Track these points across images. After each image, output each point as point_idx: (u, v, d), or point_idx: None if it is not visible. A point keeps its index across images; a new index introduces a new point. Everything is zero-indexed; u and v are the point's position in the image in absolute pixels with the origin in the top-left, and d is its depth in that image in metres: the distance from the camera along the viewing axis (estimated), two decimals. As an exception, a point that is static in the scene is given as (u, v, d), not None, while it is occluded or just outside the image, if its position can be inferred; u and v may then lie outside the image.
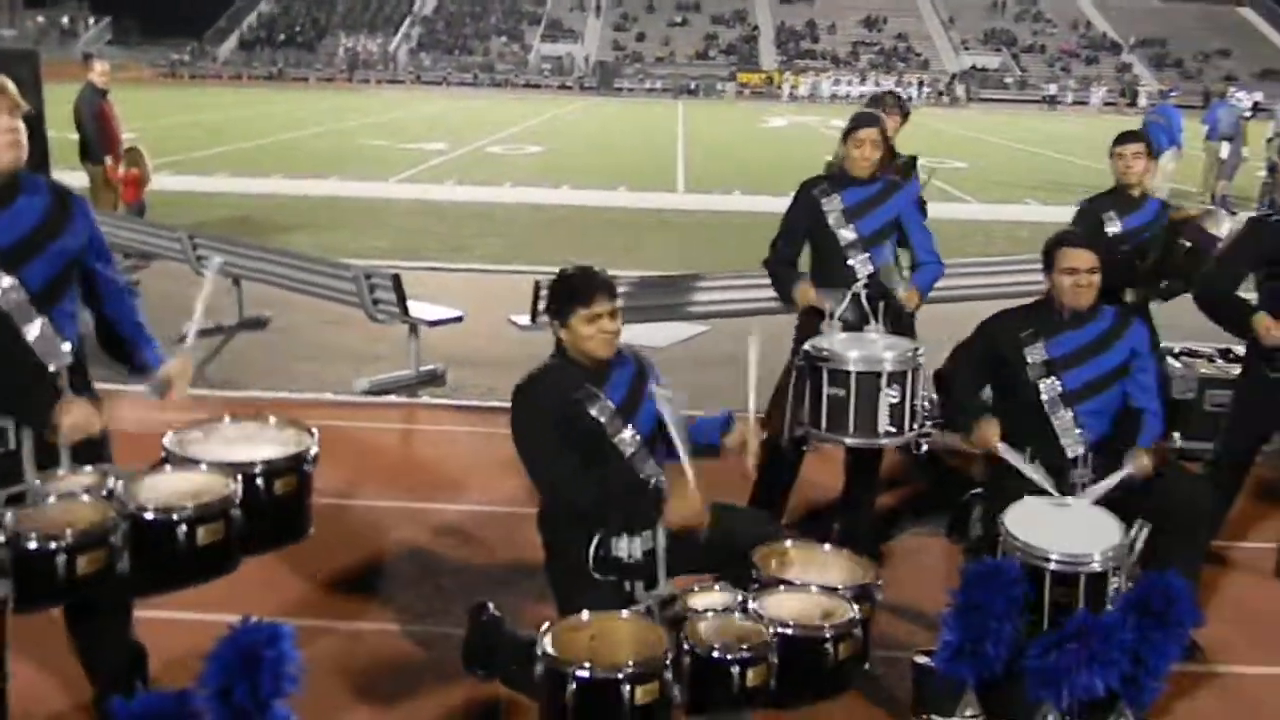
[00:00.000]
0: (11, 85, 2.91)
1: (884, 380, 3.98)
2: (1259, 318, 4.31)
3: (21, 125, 2.91)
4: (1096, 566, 3.21)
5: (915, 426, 4.14)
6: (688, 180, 19.23)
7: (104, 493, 2.77)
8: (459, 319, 7.30)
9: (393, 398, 6.95)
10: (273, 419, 3.27)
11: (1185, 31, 60.31)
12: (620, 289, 3.50)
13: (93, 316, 3.16)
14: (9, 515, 2.62)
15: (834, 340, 4.26)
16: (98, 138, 10.52)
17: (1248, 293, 4.54)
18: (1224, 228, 4.95)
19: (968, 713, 3.11)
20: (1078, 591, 3.20)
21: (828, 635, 2.94)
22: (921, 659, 3.36)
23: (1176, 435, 5.66)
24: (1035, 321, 4.00)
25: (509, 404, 3.40)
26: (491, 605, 3.55)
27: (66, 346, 2.98)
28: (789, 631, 2.93)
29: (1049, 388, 3.91)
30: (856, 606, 3.07)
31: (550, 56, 58.10)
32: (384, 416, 6.62)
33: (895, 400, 3.98)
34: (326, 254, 9.07)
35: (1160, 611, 2.91)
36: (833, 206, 4.64)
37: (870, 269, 4.60)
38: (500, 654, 3.38)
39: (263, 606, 2.69)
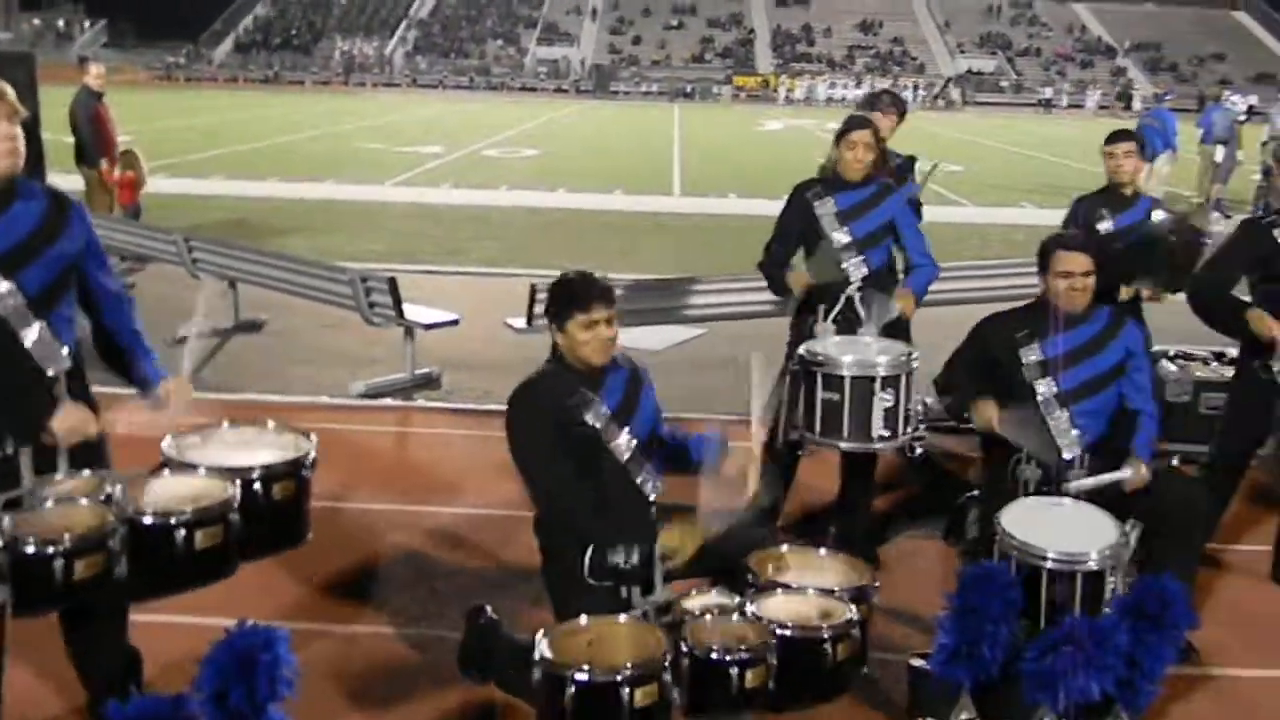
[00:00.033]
0: (10, 91, 2.91)
1: (878, 384, 3.98)
2: (1254, 314, 4.33)
3: (19, 132, 2.91)
4: (1093, 565, 3.22)
5: (909, 430, 4.14)
6: (684, 183, 19.25)
7: (102, 497, 2.77)
8: (455, 322, 7.30)
9: (388, 401, 6.94)
10: (271, 424, 3.27)
11: (1180, 35, 60.46)
12: (616, 292, 3.50)
13: (90, 324, 3.16)
14: (6, 520, 2.61)
15: (827, 344, 4.27)
16: (93, 140, 10.51)
17: (1241, 296, 4.56)
18: (1212, 224, 4.99)
19: (963, 716, 3.11)
20: (1075, 590, 3.20)
21: (826, 635, 2.94)
22: (917, 662, 3.36)
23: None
24: (1030, 322, 4.01)
25: (505, 407, 3.40)
26: (489, 608, 3.56)
27: (64, 351, 2.98)
28: (787, 632, 2.93)
29: (1045, 388, 3.92)
30: (854, 607, 3.08)
31: (546, 60, 58.13)
32: (379, 420, 6.61)
33: (889, 404, 3.99)
34: (322, 257, 9.07)
35: (1155, 615, 2.92)
36: (826, 209, 4.64)
37: (864, 271, 4.61)
38: (497, 657, 3.38)
39: (258, 610, 2.69)
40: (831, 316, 4.61)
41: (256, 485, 2.92)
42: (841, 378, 4.01)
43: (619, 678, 2.67)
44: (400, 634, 4.02)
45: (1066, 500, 3.65)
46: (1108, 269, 4.17)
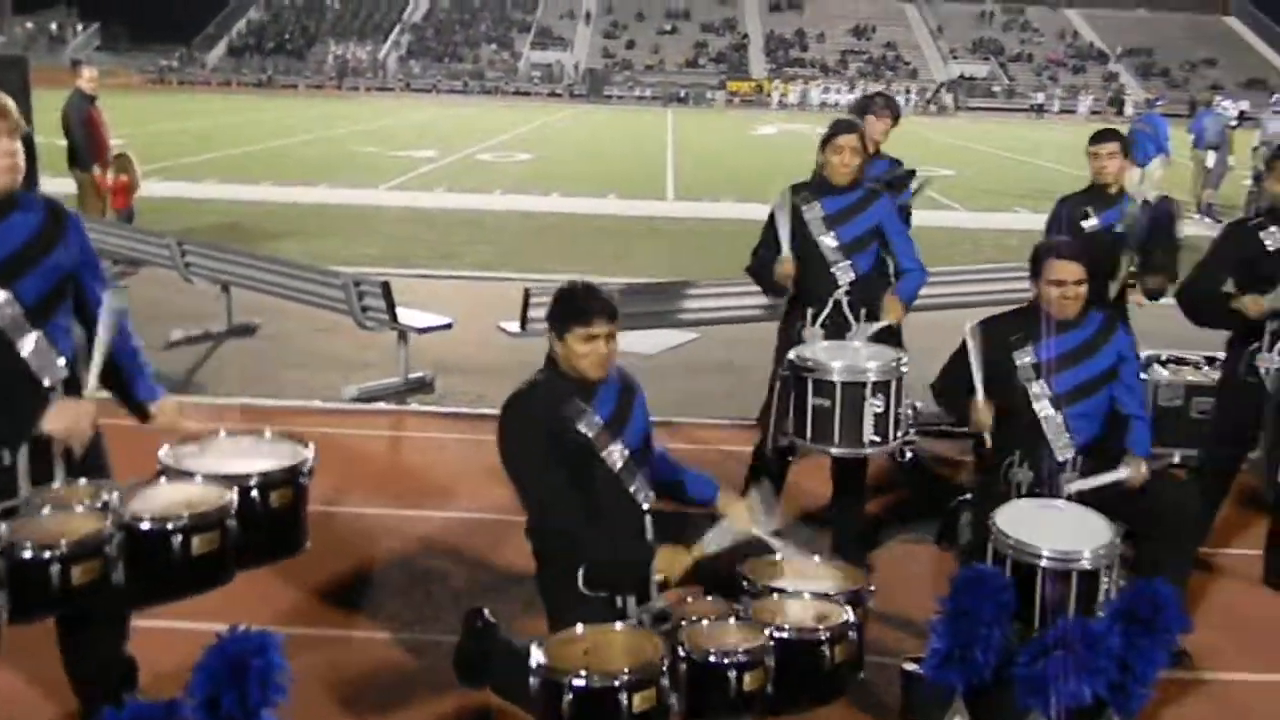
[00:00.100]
0: (13, 107, 2.93)
1: (869, 390, 3.98)
2: (1243, 299, 4.38)
3: (20, 147, 2.93)
4: (1087, 564, 3.23)
5: (900, 435, 4.15)
6: (677, 188, 19.26)
7: (99, 504, 2.77)
8: (448, 326, 7.29)
9: (381, 405, 6.93)
10: (268, 432, 3.27)
11: (1171, 41, 60.69)
12: (604, 290, 3.49)
13: (85, 336, 3.16)
14: (3, 526, 2.61)
15: (817, 349, 4.27)
16: (86, 144, 10.50)
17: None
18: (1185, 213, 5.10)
19: (956, 719, 3.11)
20: (1069, 590, 3.21)
21: (823, 637, 2.95)
22: (910, 666, 3.36)
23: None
24: (1024, 326, 4.02)
25: (498, 412, 3.40)
26: (486, 611, 3.55)
27: (61, 361, 3.00)
28: (785, 635, 2.94)
29: (1038, 391, 3.93)
30: (851, 610, 3.08)
31: (540, 64, 58.16)
32: (373, 424, 6.60)
33: (880, 410, 3.99)
34: (316, 261, 9.06)
35: (1148, 618, 2.92)
36: (813, 214, 4.64)
37: (851, 276, 4.62)
38: (494, 661, 3.37)
39: (252, 615, 2.68)
40: (820, 321, 4.61)
41: (254, 493, 2.92)
42: (832, 383, 4.01)
43: (617, 683, 2.67)
44: (395, 639, 4.01)
45: (1060, 502, 3.67)
46: (1096, 267, 4.19)
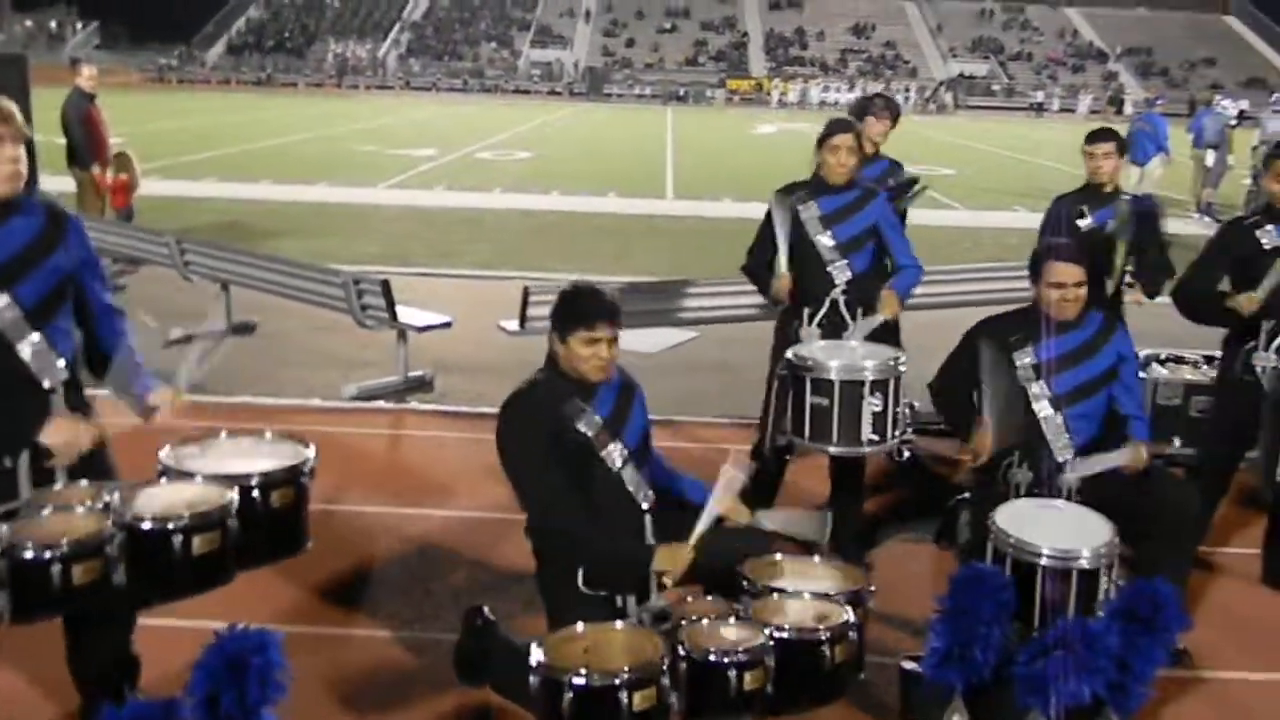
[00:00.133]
0: (17, 113, 2.94)
1: (867, 389, 3.99)
2: (1237, 298, 4.41)
3: (23, 154, 2.95)
4: (1086, 563, 3.23)
5: (897, 433, 4.16)
6: (677, 186, 19.26)
7: (100, 505, 2.77)
8: (448, 325, 7.29)
9: (381, 403, 6.93)
10: (269, 433, 3.27)
11: (1171, 40, 60.69)
12: (608, 293, 3.49)
13: (83, 337, 3.17)
14: (5, 527, 2.61)
15: (814, 348, 4.28)
16: (85, 142, 10.49)
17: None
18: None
19: (955, 718, 3.11)
20: (1069, 589, 3.21)
21: (824, 637, 2.95)
22: (909, 665, 3.36)
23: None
24: (1023, 327, 4.02)
25: (497, 411, 3.40)
26: (486, 609, 3.55)
27: (61, 363, 3.01)
28: (785, 635, 2.94)
29: (1038, 391, 3.93)
30: (851, 610, 3.08)
31: (540, 62, 58.14)
32: (372, 422, 6.60)
33: (878, 408, 4.00)
34: (315, 259, 9.05)
35: (1147, 617, 2.93)
36: (810, 213, 4.65)
37: (848, 275, 4.63)
38: (494, 659, 3.37)
39: (252, 614, 2.68)
40: (816, 321, 4.62)
41: (255, 493, 2.92)
42: (830, 382, 4.01)
43: (617, 681, 2.67)
44: (394, 637, 4.01)
45: (1060, 502, 3.67)
46: (1093, 268, 4.20)
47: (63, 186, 10.73)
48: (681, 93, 52.43)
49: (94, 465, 3.02)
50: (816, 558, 3.50)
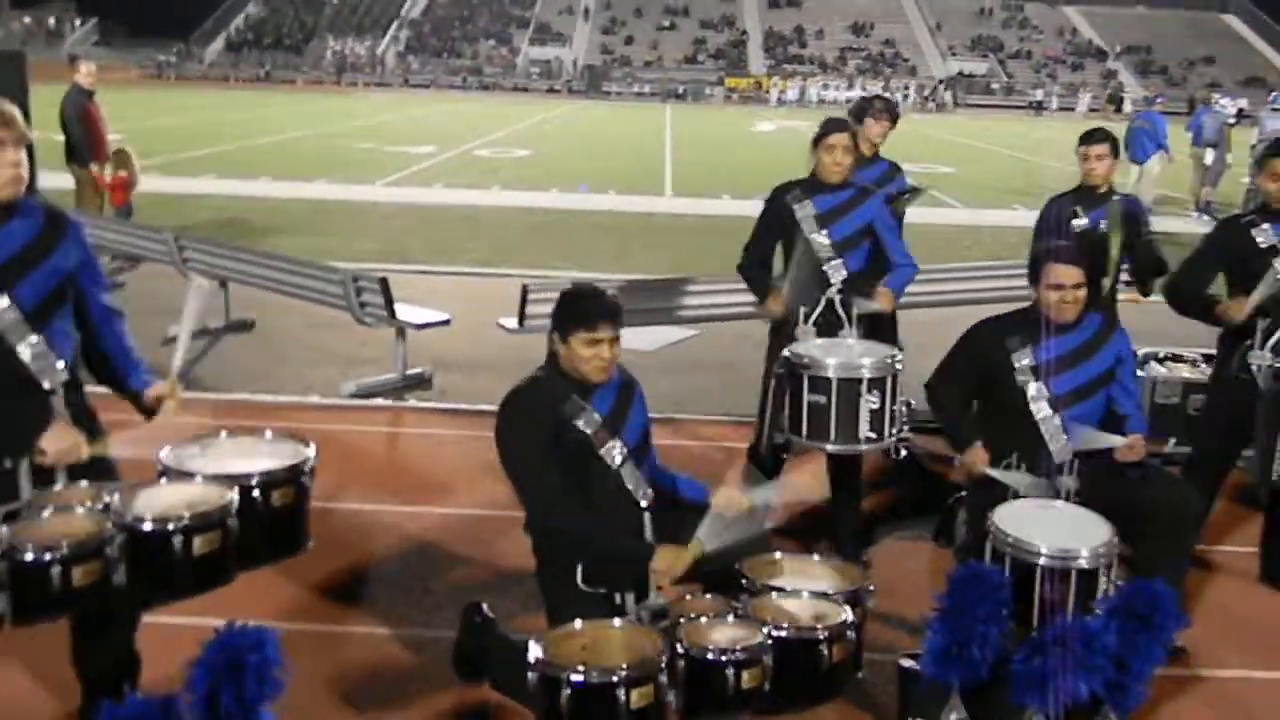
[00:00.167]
0: (19, 117, 2.95)
1: (864, 386, 3.99)
2: (1222, 306, 4.45)
3: (24, 158, 2.97)
4: (1084, 563, 3.23)
5: (894, 431, 4.17)
6: (676, 184, 19.25)
7: (100, 505, 2.77)
8: (446, 322, 7.29)
9: (379, 401, 6.93)
10: (269, 432, 3.27)
11: (1170, 38, 60.69)
12: (608, 292, 3.50)
13: (81, 337, 3.17)
14: (5, 529, 2.62)
15: (811, 347, 4.28)
16: (84, 139, 10.48)
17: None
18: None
19: (953, 716, 3.12)
20: (1068, 589, 3.21)
21: (822, 636, 2.95)
22: (907, 663, 3.37)
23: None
24: (1022, 328, 4.01)
25: (496, 408, 3.40)
26: (484, 606, 3.56)
27: (61, 364, 3.02)
28: (783, 634, 2.94)
29: (1036, 393, 3.93)
30: (849, 609, 3.08)
31: (538, 60, 58.11)
32: (371, 420, 6.60)
33: (875, 406, 4.01)
34: (314, 257, 9.04)
35: (1144, 615, 2.93)
36: (805, 212, 4.67)
37: (844, 274, 4.64)
38: (492, 656, 3.38)
39: (251, 611, 2.68)
40: (812, 319, 4.63)
41: (255, 492, 2.93)
42: (828, 380, 4.02)
43: (615, 679, 2.68)
44: (393, 634, 4.01)
45: (1058, 502, 3.67)
46: (1091, 269, 4.21)
47: (61, 184, 10.71)
48: (680, 91, 52.41)
49: (94, 465, 3.02)
50: (816, 556, 3.51)
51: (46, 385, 2.98)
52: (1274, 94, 20.94)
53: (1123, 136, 16.28)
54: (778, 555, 3.43)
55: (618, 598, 3.28)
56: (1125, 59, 59.31)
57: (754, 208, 4.98)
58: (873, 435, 4.06)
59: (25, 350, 2.94)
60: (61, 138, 10.59)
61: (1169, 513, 3.85)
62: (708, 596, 3.23)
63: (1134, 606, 2.95)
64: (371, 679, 3.72)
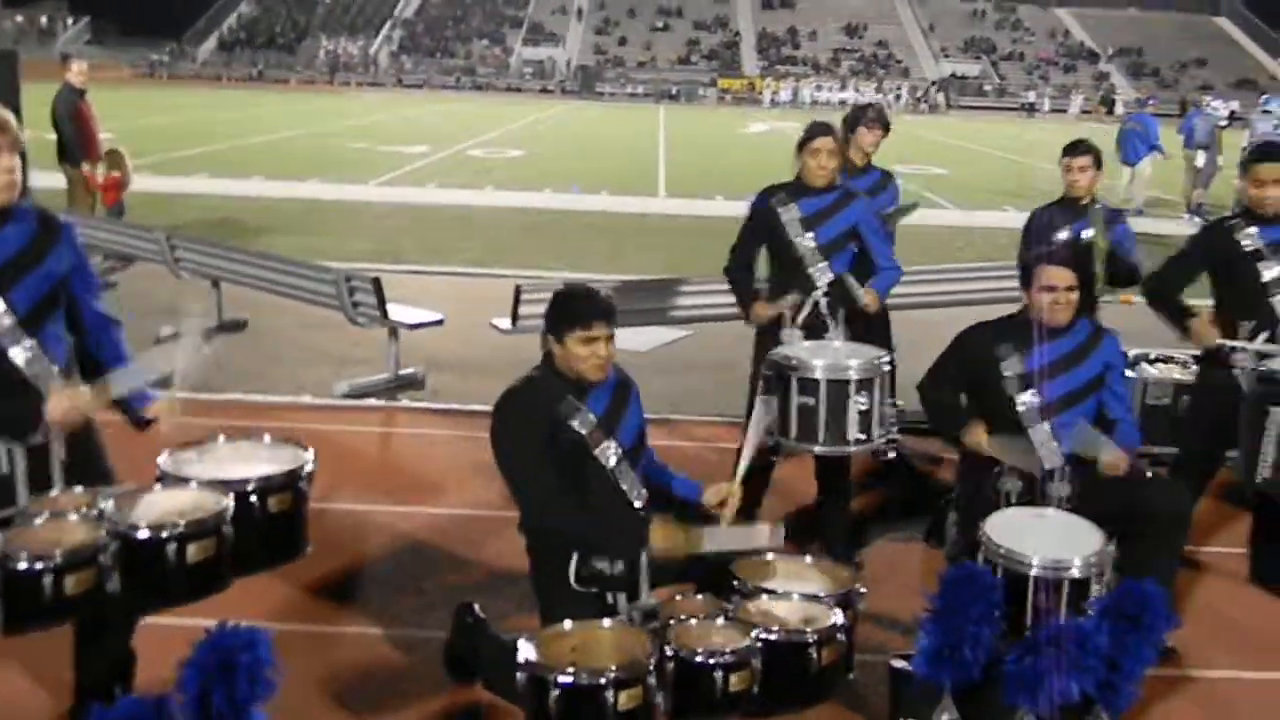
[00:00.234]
0: (13, 122, 2.96)
1: (853, 388, 4.00)
2: (1195, 324, 4.50)
3: (18, 163, 2.98)
4: (1077, 573, 3.23)
5: (882, 432, 4.18)
6: (669, 185, 19.26)
7: (95, 512, 2.77)
8: (439, 322, 7.28)
9: (372, 401, 6.93)
10: (267, 437, 3.27)
11: (1162, 41, 60.87)
12: (602, 293, 3.50)
13: (75, 346, 3.18)
14: None
15: (798, 349, 4.30)
16: (76, 138, 10.45)
17: (1204, 298, 4.67)
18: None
19: (945, 717, 3.12)
20: (1060, 598, 3.22)
21: (811, 640, 2.95)
22: (899, 663, 3.37)
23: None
24: (1012, 334, 4.01)
25: (490, 408, 3.40)
26: (476, 606, 3.56)
27: (55, 369, 3.02)
28: (772, 637, 2.94)
29: (1026, 400, 3.93)
30: (840, 612, 3.08)
31: (532, 60, 58.09)
32: (363, 420, 6.59)
33: (864, 407, 4.02)
34: (306, 256, 9.02)
35: (1135, 616, 2.94)
36: (790, 215, 4.69)
37: (829, 277, 4.66)
38: (484, 656, 3.38)
39: (243, 612, 2.68)
40: (799, 321, 4.65)
41: (252, 498, 2.92)
42: (816, 382, 4.02)
43: (603, 680, 2.68)
44: (386, 635, 4.01)
45: (1050, 510, 3.66)
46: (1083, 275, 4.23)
47: (53, 183, 10.68)
48: (674, 91, 52.43)
49: (90, 469, 3.02)
50: (808, 558, 3.51)
51: (42, 390, 2.98)
52: (1265, 96, 21.00)
53: (1114, 138, 16.38)
54: (770, 556, 3.43)
55: (610, 597, 3.28)
56: (1117, 61, 59.46)
57: (747, 209, 4.99)
58: (861, 436, 4.07)
59: (19, 354, 2.95)
60: (53, 137, 10.56)
61: (1160, 513, 3.86)
62: (699, 597, 3.23)
63: (1125, 607, 2.95)
64: (364, 679, 3.72)
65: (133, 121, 24.75)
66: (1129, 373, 5.37)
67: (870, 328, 4.77)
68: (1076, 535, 3.40)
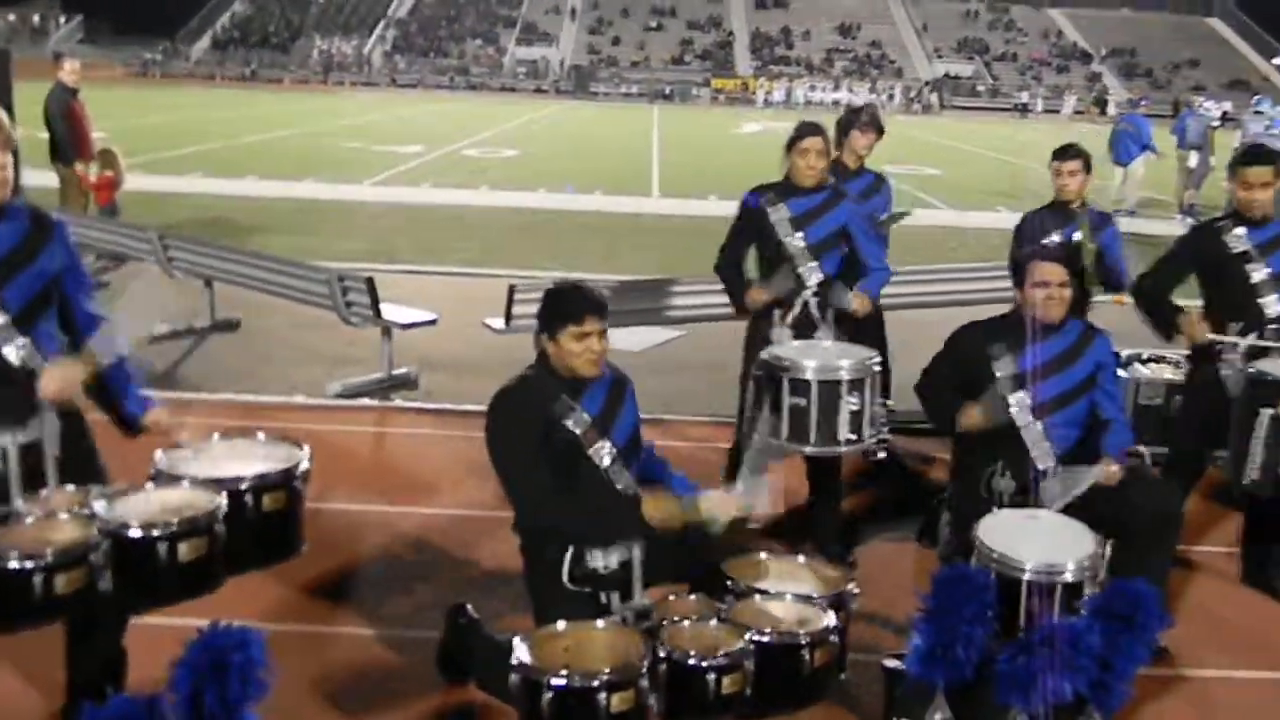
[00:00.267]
0: (6, 121, 2.97)
1: (844, 388, 4.01)
2: (1185, 319, 4.51)
3: (10, 160, 2.98)
4: (1070, 577, 3.23)
5: (873, 433, 4.18)
6: (663, 185, 19.26)
7: (86, 511, 2.76)
8: (433, 322, 7.28)
9: (365, 401, 6.91)
10: (262, 435, 3.27)
11: (1155, 41, 61.01)
12: (594, 288, 3.50)
13: (68, 348, 3.17)
14: None
15: (789, 349, 4.30)
16: (68, 137, 10.43)
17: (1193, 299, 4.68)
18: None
19: (938, 716, 3.13)
20: (1053, 602, 3.22)
21: (803, 642, 2.96)
22: (892, 663, 3.38)
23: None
24: (1004, 335, 4.02)
25: (483, 408, 3.40)
26: (469, 607, 3.55)
27: (47, 365, 3.00)
28: (765, 639, 2.95)
29: (1019, 400, 3.94)
30: (832, 613, 3.09)
31: (525, 60, 58.05)
32: (357, 420, 6.58)
33: (855, 408, 4.02)
34: (300, 256, 9.01)
35: (1128, 615, 2.94)
36: (779, 215, 4.69)
37: (819, 276, 4.66)
38: (477, 657, 3.38)
39: (236, 612, 2.67)
40: (788, 321, 4.65)
41: (246, 496, 2.92)
42: (808, 382, 4.03)
43: (596, 683, 2.68)
44: (379, 635, 4.00)
45: (1042, 512, 3.66)
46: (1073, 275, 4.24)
47: (45, 182, 10.65)
48: (667, 91, 52.43)
49: (84, 468, 3.02)
50: (801, 558, 3.51)
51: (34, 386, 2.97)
52: (1257, 97, 21.04)
53: (1107, 139, 16.41)
54: (762, 555, 3.44)
55: (603, 597, 3.28)
56: (1110, 62, 59.59)
57: (736, 208, 5.00)
58: (852, 437, 4.07)
59: (12, 352, 2.95)
60: (46, 136, 10.53)
61: (1152, 513, 3.87)
62: (692, 598, 3.23)
63: (1117, 606, 2.96)
64: (357, 679, 3.71)
65: (125, 121, 24.69)
66: (1121, 373, 5.38)
67: (861, 329, 4.78)
68: (1069, 538, 3.40)
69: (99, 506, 2.76)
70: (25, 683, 3.46)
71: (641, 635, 2.91)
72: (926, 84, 54.94)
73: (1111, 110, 45.25)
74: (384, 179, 18.48)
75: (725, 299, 5.02)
